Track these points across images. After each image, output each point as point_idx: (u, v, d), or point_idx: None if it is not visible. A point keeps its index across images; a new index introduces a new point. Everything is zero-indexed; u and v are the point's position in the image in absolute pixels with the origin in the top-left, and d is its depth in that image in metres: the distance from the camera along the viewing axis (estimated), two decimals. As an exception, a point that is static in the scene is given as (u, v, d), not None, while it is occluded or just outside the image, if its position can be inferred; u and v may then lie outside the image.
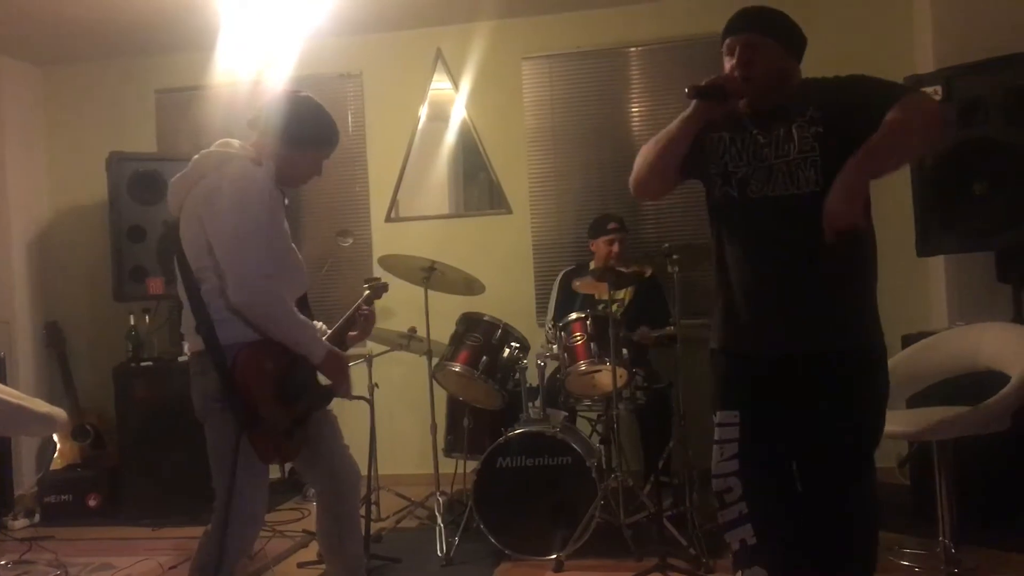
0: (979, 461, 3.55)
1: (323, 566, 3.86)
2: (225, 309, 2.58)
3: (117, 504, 5.07)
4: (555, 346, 4.24)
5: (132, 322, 5.25)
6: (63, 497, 5.12)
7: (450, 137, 5.60)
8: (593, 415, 4.59)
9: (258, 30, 5.24)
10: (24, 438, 5.36)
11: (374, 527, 4.16)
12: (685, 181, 2.55)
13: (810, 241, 2.26)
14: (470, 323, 4.34)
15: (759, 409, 2.43)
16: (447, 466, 4.53)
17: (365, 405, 4.15)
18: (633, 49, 5.41)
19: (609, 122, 5.44)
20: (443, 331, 4.41)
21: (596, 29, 5.39)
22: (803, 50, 2.49)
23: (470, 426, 4.39)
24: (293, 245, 2.82)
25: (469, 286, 4.46)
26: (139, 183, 5.09)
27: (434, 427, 4.37)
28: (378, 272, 4.46)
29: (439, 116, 5.61)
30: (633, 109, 5.44)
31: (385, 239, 5.53)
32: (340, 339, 2.95)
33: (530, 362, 4.32)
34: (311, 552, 4.15)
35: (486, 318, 4.34)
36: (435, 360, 4.35)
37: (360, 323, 3.04)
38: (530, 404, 4.21)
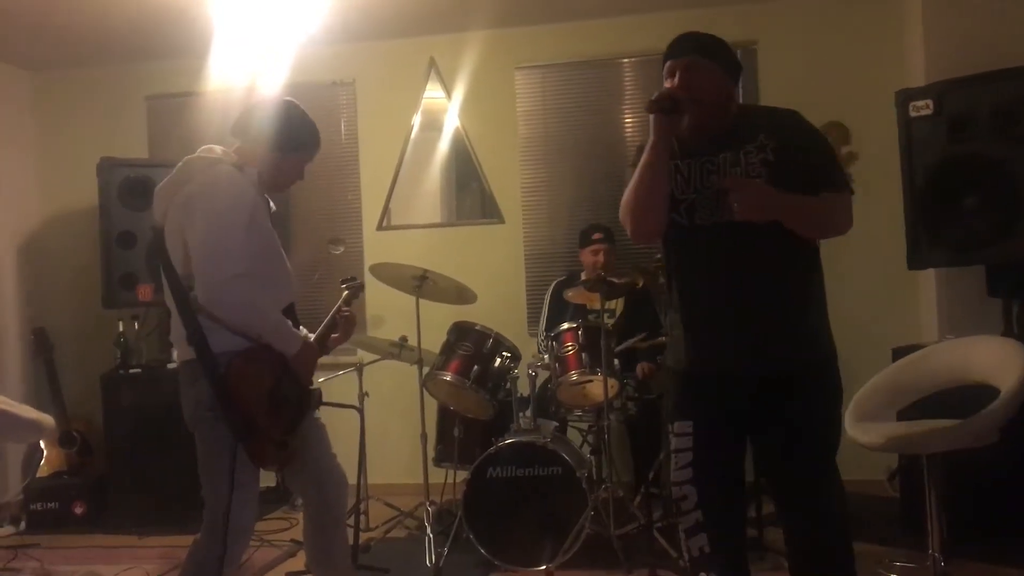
0: (968, 474, 3.55)
1: (311, 576, 3.85)
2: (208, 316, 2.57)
3: (103, 512, 5.04)
4: (546, 356, 4.23)
5: (121, 329, 5.22)
6: (49, 505, 5.08)
7: (443, 146, 5.59)
8: (584, 425, 4.58)
9: (250, 37, 5.23)
10: (11, 445, 5.32)
11: (363, 537, 4.14)
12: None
13: (759, 265, 2.37)
14: (461, 332, 4.33)
15: (712, 418, 2.46)
16: (437, 476, 4.51)
17: (355, 414, 4.13)
18: (626, 60, 5.43)
19: (602, 132, 5.45)
20: (434, 340, 4.40)
21: (589, 40, 5.40)
22: (739, 76, 2.56)
23: (460, 436, 4.37)
24: (282, 253, 2.82)
25: (461, 295, 4.45)
26: (130, 189, 5.07)
27: (424, 436, 4.35)
28: (370, 281, 4.45)
29: (432, 125, 5.61)
30: (626, 120, 5.46)
31: (377, 247, 5.52)
32: (322, 343, 2.94)
33: (521, 372, 4.31)
34: (299, 562, 4.11)
35: (477, 327, 4.33)
36: (426, 369, 4.33)
37: (341, 325, 3.03)
38: (521, 414, 4.20)
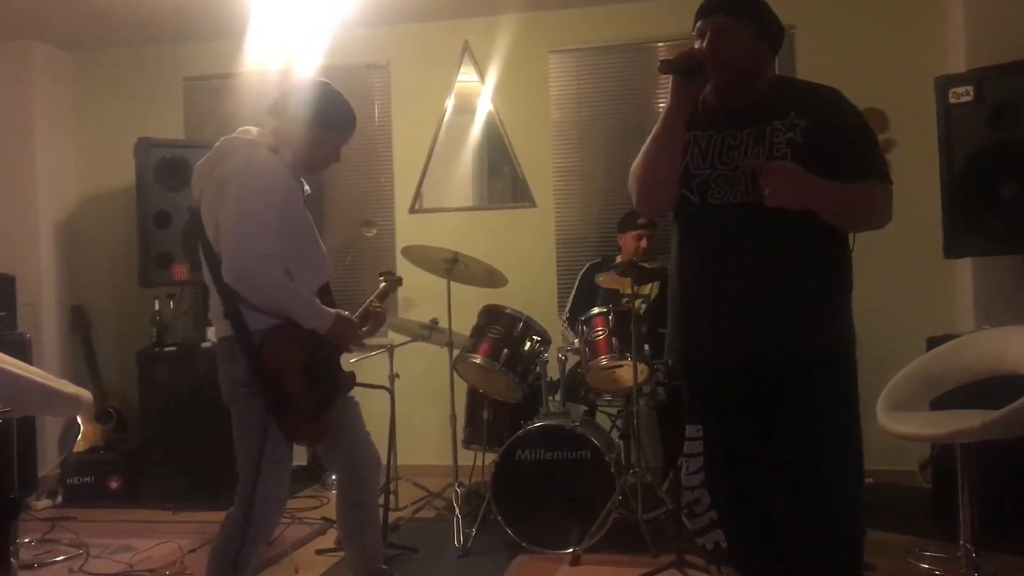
0: (1002, 465, 3.51)
1: (341, 553, 3.89)
2: None
3: (138, 487, 5.13)
4: (576, 340, 4.24)
5: (157, 307, 5.29)
6: (85, 479, 5.18)
7: (475, 129, 5.60)
8: (613, 410, 4.58)
9: (286, 19, 5.26)
10: (48, 420, 5.42)
11: (392, 516, 4.17)
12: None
13: (773, 251, 2.20)
14: (492, 315, 4.35)
15: (720, 419, 2.36)
16: (465, 458, 4.54)
17: (385, 395, 4.18)
18: (661, 44, 5.39)
19: (635, 117, 5.41)
20: (464, 323, 4.42)
21: (623, 23, 5.37)
22: (780, 43, 2.34)
23: (489, 418, 4.39)
24: (317, 234, 2.85)
25: (492, 278, 4.46)
26: (166, 169, 5.13)
27: (453, 418, 4.38)
28: (401, 263, 4.47)
29: (465, 108, 5.61)
30: (659, 105, 5.42)
31: (408, 230, 5.55)
32: None
33: (551, 356, 4.32)
34: (329, 539, 4.17)
35: (508, 311, 4.34)
36: (456, 352, 4.36)
37: (372, 320, 3.06)
38: (550, 397, 4.21)
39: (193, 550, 4.08)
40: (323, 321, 2.70)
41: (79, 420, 5.32)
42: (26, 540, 4.19)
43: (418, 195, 5.65)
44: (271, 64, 5.52)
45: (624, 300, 4.47)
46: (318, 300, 2.74)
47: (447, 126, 5.61)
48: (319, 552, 4.01)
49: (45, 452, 5.45)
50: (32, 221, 5.63)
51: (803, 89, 2.33)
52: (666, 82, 5.21)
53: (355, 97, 2.92)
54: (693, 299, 2.35)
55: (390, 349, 4.61)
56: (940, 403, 3.55)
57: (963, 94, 3.95)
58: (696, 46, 2.26)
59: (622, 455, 4.22)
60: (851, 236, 2.36)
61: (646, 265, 4.01)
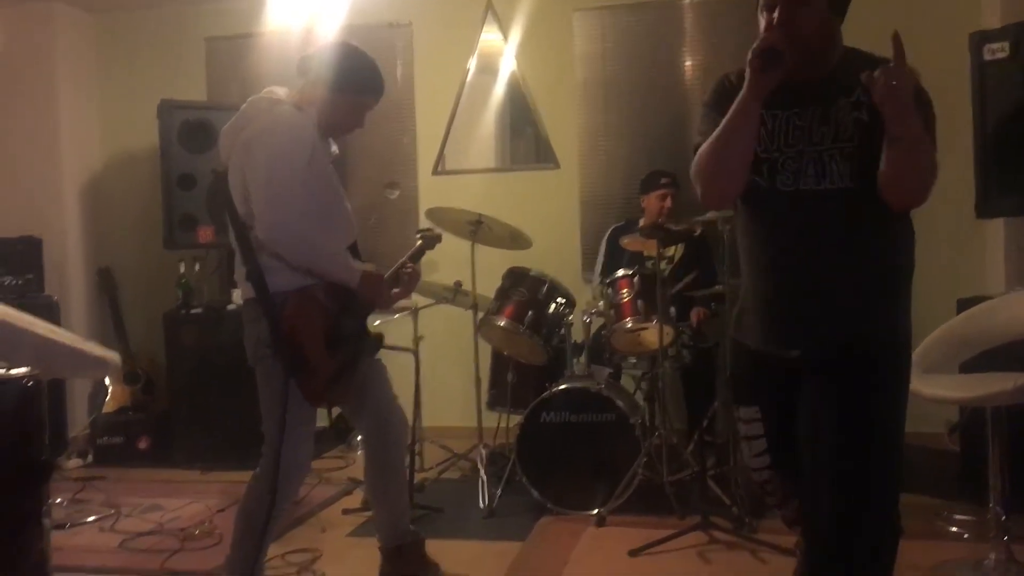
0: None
1: (367, 513, 3.93)
2: (270, 256, 2.60)
3: (167, 447, 5.19)
4: (601, 303, 4.21)
5: (182, 270, 5.31)
6: (114, 439, 5.25)
7: (498, 90, 5.54)
8: (637, 373, 4.57)
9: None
10: (77, 381, 5.48)
11: (417, 477, 4.21)
12: None
13: (837, 242, 2.13)
14: (516, 277, 4.33)
15: (779, 400, 2.30)
16: (489, 420, 4.55)
17: (410, 357, 4.20)
18: (687, 2, 5.29)
19: (661, 77, 5.33)
20: (486, 285, 4.40)
21: (649, -20, 5.28)
22: (846, 9, 2.19)
23: (513, 381, 4.39)
24: (343, 193, 2.84)
25: (516, 240, 4.43)
26: (189, 131, 5.12)
27: (478, 381, 4.38)
28: (424, 225, 4.45)
29: (488, 68, 5.55)
30: (686, 63, 5.33)
31: (431, 192, 5.52)
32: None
33: (575, 318, 4.30)
34: (355, 499, 4.21)
35: (532, 273, 4.32)
36: (480, 314, 4.35)
37: (404, 280, 3.04)
38: (575, 360, 4.20)
39: (221, 510, 4.13)
40: (352, 276, 2.70)
41: (107, 381, 5.38)
42: (58, 500, 4.25)
43: (441, 156, 5.62)
44: (293, 24, 5.48)
45: (649, 263, 4.43)
46: (349, 255, 2.73)
47: (470, 86, 5.55)
48: (345, 512, 4.05)
49: (75, 413, 5.52)
50: (57, 183, 5.65)
51: (870, 63, 2.14)
52: (691, 39, 5.26)
53: (378, 57, 2.88)
54: (762, 284, 2.27)
55: (414, 311, 4.61)
56: (970, 366, 3.50)
57: (998, 50, 3.85)
58: (762, 19, 2.14)
59: (647, 418, 4.21)
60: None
61: (672, 227, 3.97)
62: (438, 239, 3.30)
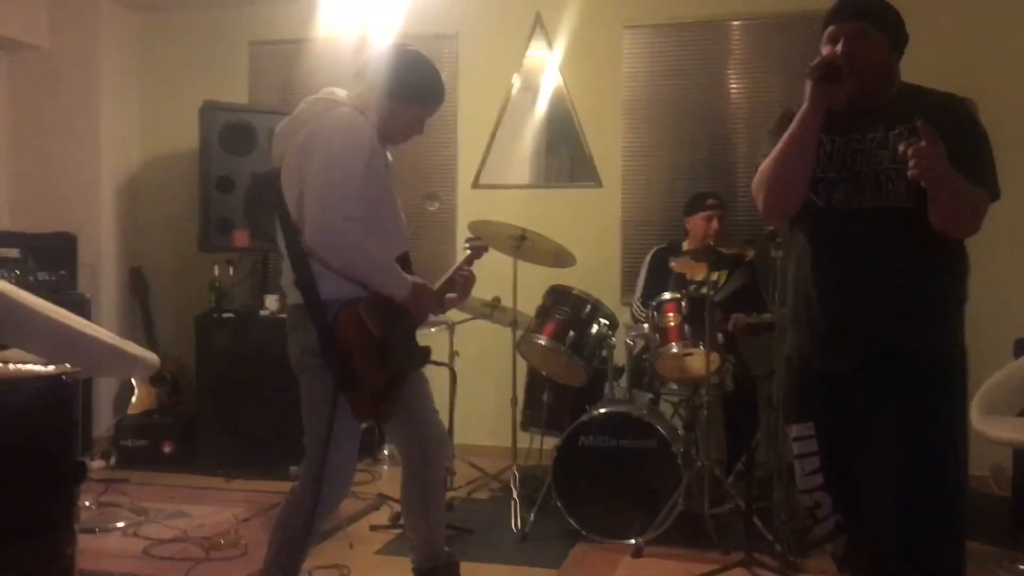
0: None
1: (395, 530, 3.84)
2: (319, 262, 2.53)
3: (191, 452, 5.11)
4: (645, 325, 4.11)
5: (216, 273, 5.25)
6: (139, 442, 5.18)
7: (541, 105, 5.46)
8: (675, 399, 4.45)
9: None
10: (103, 381, 5.43)
11: (447, 495, 4.10)
12: None
13: (893, 257, 2.22)
14: (559, 296, 4.24)
15: (835, 417, 2.34)
16: (521, 440, 4.44)
17: (443, 372, 4.10)
18: (736, 22, 5.21)
19: (707, 97, 5.24)
20: (524, 302, 4.29)
21: (699, 0, 5.19)
22: (904, 47, 2.33)
23: (550, 401, 4.29)
24: (397, 201, 2.76)
25: (559, 258, 4.33)
26: (230, 134, 5.06)
27: (514, 400, 4.27)
28: (466, 238, 4.36)
29: (532, 83, 5.47)
30: (732, 85, 5.24)
31: (470, 205, 5.42)
32: (439, 300, 2.87)
33: (618, 340, 4.19)
34: (383, 515, 4.12)
35: (575, 292, 4.23)
36: (519, 331, 4.25)
37: (459, 285, 2.96)
38: (615, 383, 4.09)
39: (247, 519, 4.04)
40: (401, 289, 2.61)
41: (133, 383, 5.32)
42: (86, 503, 4.17)
43: (481, 170, 5.54)
44: (338, 31, 5.43)
45: (692, 287, 4.33)
46: (398, 267, 2.65)
47: (514, 100, 5.48)
48: (373, 528, 3.96)
49: (100, 414, 5.46)
50: (94, 181, 5.62)
51: (930, 96, 2.33)
52: (738, 61, 5.18)
53: (423, 67, 2.81)
54: (817, 300, 2.34)
55: (451, 326, 4.51)
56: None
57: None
58: (824, 50, 2.28)
59: (689, 446, 4.09)
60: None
61: (723, 250, 3.87)
62: (485, 249, 3.22)
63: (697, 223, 4.58)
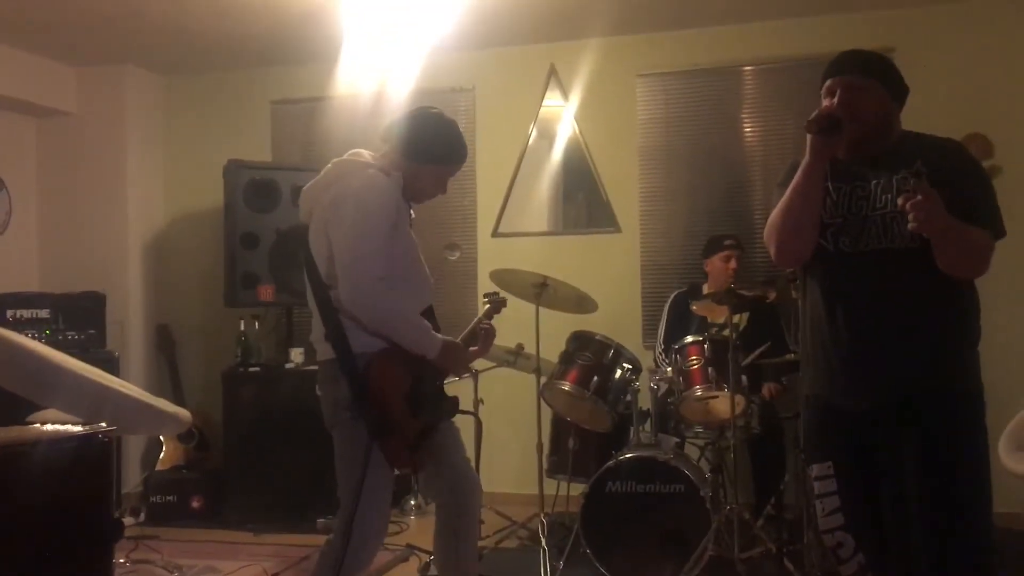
0: None
1: (426, 582, 3.83)
2: (348, 317, 2.58)
3: (220, 507, 5.13)
4: (669, 369, 4.13)
5: (242, 327, 5.31)
6: (168, 498, 5.20)
7: (559, 154, 5.55)
8: (701, 442, 4.45)
9: (372, 45, 5.26)
10: (131, 437, 5.47)
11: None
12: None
13: (903, 296, 2.27)
14: (582, 341, 4.26)
15: (854, 455, 2.36)
16: (548, 487, 4.44)
17: (468, 420, 4.12)
18: (748, 68, 5.30)
19: (722, 142, 5.31)
20: (546, 349, 4.32)
21: (711, 47, 5.28)
22: (905, 99, 2.42)
23: (575, 447, 4.29)
24: (421, 258, 2.82)
25: (581, 304, 4.37)
26: (255, 191, 5.17)
27: (540, 447, 4.28)
28: (486, 287, 4.41)
29: (549, 132, 5.56)
30: (746, 129, 5.31)
31: (491, 254, 5.49)
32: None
33: (642, 384, 4.21)
34: (411, 567, 4.11)
35: (598, 337, 4.26)
36: (543, 378, 4.27)
37: (481, 338, 3.00)
38: (640, 428, 4.10)
39: (277, 574, 4.05)
40: (433, 348, 2.66)
41: (161, 439, 5.36)
42: (121, 560, 4.19)
43: (500, 219, 5.61)
44: (358, 88, 5.54)
45: (714, 329, 4.35)
46: (429, 325, 2.69)
47: (531, 150, 5.57)
48: (403, 580, 3.96)
49: (128, 469, 5.50)
50: (122, 240, 5.73)
51: (928, 142, 2.40)
52: (752, 105, 5.25)
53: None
54: (831, 342, 2.38)
55: (475, 374, 4.54)
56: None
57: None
58: (824, 103, 2.37)
59: (717, 489, 4.08)
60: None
61: (745, 292, 3.89)
62: (504, 303, 3.28)
63: (716, 264, 4.62)
